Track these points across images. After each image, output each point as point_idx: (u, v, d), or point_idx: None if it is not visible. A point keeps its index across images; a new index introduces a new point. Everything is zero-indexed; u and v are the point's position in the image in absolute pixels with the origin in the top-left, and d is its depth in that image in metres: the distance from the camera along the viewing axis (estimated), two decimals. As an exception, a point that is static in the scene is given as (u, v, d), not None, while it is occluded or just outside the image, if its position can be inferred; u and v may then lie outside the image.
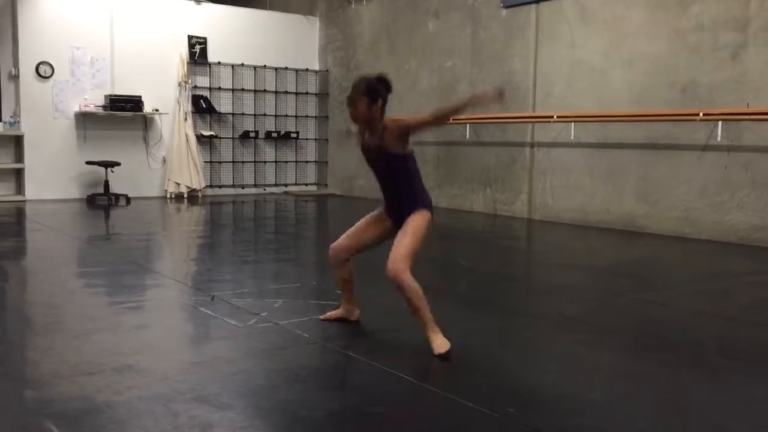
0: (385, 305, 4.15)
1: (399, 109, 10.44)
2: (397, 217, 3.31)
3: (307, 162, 12.15)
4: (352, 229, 3.52)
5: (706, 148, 6.80)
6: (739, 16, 6.51)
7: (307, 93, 11.97)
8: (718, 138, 6.62)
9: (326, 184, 12.20)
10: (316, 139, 12.18)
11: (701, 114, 6.64)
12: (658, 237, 7.04)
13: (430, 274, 5.34)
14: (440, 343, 3.03)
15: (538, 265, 6.02)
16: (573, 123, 7.93)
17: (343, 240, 3.56)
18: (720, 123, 6.59)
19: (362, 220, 3.50)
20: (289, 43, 11.74)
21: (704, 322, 3.84)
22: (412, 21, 10.26)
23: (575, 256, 6.33)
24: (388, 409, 2.48)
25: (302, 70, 11.87)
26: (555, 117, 8.10)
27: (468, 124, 9.20)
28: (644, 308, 4.18)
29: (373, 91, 3.23)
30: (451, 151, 9.75)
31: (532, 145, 8.64)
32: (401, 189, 3.30)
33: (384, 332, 3.49)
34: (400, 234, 3.18)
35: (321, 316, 3.69)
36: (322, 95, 12.07)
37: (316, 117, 12.13)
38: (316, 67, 12.06)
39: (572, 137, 7.95)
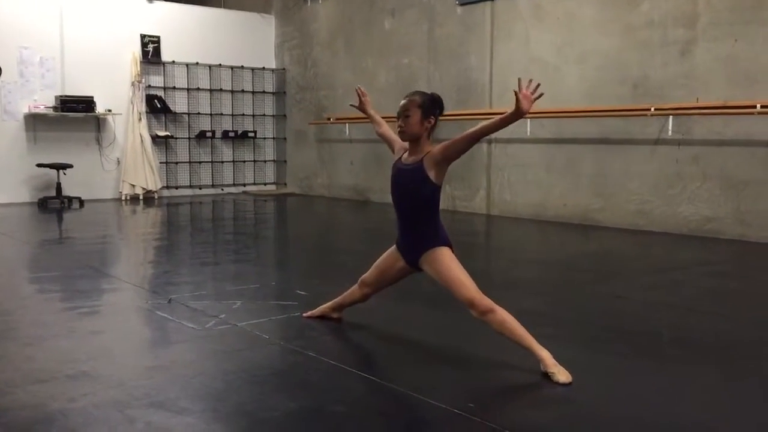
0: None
1: (356, 109, 10.42)
2: (410, 252, 3.12)
3: (265, 161, 12.05)
4: (378, 265, 3.34)
5: (657, 142, 6.94)
6: (688, 12, 6.66)
7: (264, 92, 11.88)
8: (669, 132, 6.76)
9: (285, 183, 12.12)
10: (274, 138, 12.09)
11: (652, 109, 6.78)
12: (614, 230, 7.17)
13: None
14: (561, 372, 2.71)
15: (497, 261, 6.07)
16: (529, 119, 8.02)
17: (370, 275, 3.36)
18: (671, 117, 6.73)
19: (386, 258, 3.30)
20: (245, 42, 11.63)
21: (659, 313, 3.92)
22: (369, 19, 10.25)
23: (533, 251, 6.41)
24: (347, 407, 2.47)
25: (258, 69, 11.76)
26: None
27: (426, 122, 9.21)
28: (601, 301, 4.25)
29: (429, 105, 3.05)
30: (409, 149, 9.76)
31: (489, 141, 8.71)
32: (424, 223, 3.09)
33: (345, 331, 3.48)
34: (443, 283, 3.00)
35: (305, 314, 3.64)
36: (279, 94, 11.98)
37: (273, 116, 12.04)
38: (273, 66, 11.97)
39: (528, 133, 8.03)
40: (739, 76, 6.34)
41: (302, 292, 4.26)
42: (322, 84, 11.17)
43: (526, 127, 8.05)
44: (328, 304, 3.60)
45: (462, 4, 8.84)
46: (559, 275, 5.13)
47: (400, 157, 3.16)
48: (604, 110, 7.29)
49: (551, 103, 7.80)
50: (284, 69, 11.91)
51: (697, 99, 6.60)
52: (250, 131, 11.72)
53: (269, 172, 12.14)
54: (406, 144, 3.15)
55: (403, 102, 3.05)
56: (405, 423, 2.35)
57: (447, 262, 2.98)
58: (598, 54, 7.42)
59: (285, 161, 12.11)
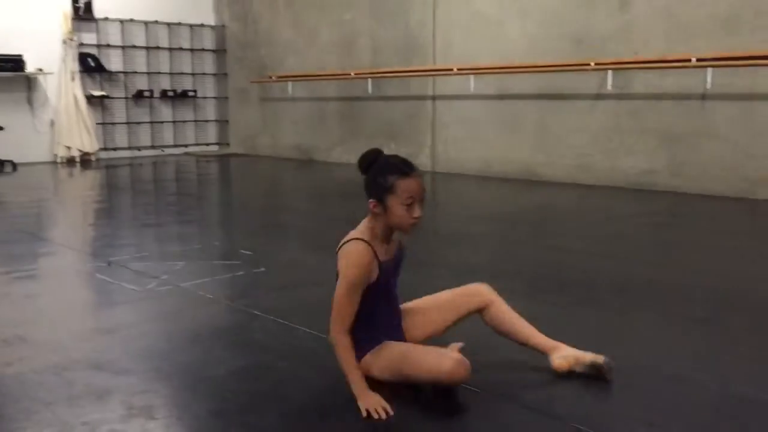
0: (292, 261, 4.13)
1: (299, 64, 10.28)
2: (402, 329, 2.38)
3: (207, 121, 11.79)
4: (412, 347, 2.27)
5: (598, 97, 7.04)
6: (627, -33, 6.70)
7: (203, 49, 11.55)
8: (609, 87, 6.85)
9: (228, 143, 11.91)
10: (215, 98, 11.81)
11: (593, 64, 6.85)
12: (556, 185, 7.28)
13: (338, 230, 5.34)
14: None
15: (442, 217, 6.11)
16: (472, 75, 8.02)
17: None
18: (610, 72, 6.82)
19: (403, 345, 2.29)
20: (182, -3, 11.25)
21: (597, 263, 4.02)
22: (310, -27, 10.02)
23: (478, 206, 6.47)
24: (293, 363, 2.47)
25: (197, 26, 11.42)
26: (455, 69, 8.16)
27: (370, 79, 9.15)
28: (542, 253, 4.33)
29: None
30: (353, 107, 9.69)
31: (433, 98, 8.70)
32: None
33: (291, 289, 3.46)
34: (443, 294, 2.47)
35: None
36: (220, 51, 11.68)
37: (214, 74, 11.75)
38: (212, 22, 11.62)
39: (472, 89, 8.04)
40: (675, 30, 6.45)
41: (246, 252, 4.22)
42: (263, 41, 10.92)
43: (469, 83, 8.05)
44: None
45: (404, -42, 8.70)
46: (503, 230, 5.20)
47: (376, 256, 2.21)
48: (546, 66, 7.33)
49: (495, 58, 7.82)
50: (224, 26, 11.59)
51: (636, 53, 6.70)
52: (190, 90, 11.42)
53: (211, 133, 11.89)
54: (370, 258, 2.19)
55: (420, 182, 2.22)
56: (350, 376, 2.36)
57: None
58: (540, 9, 7.43)
59: (227, 121, 11.86)
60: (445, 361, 2.10)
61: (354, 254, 2.17)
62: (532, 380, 2.30)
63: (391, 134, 9.19)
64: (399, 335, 2.34)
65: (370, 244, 2.19)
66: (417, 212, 2.18)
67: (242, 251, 4.26)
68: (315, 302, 3.23)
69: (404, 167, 2.20)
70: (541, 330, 2.38)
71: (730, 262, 4.05)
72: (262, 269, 3.80)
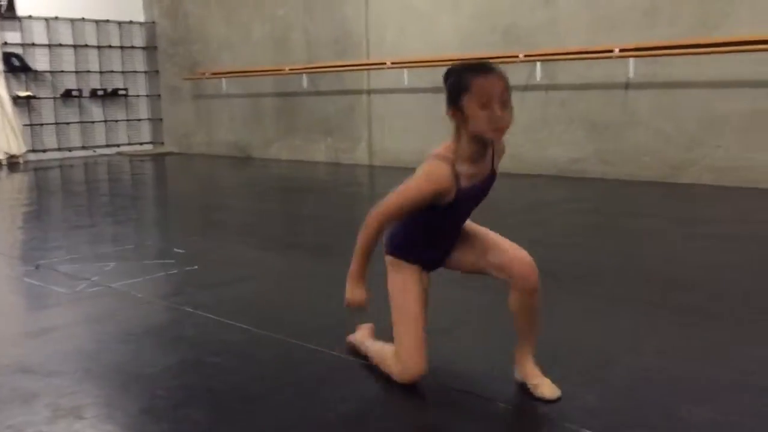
0: (226, 258, 4.12)
1: (233, 61, 10.18)
2: (443, 255, 2.25)
3: (139, 120, 11.56)
4: (414, 320, 2.17)
5: (527, 88, 7.21)
6: (551, -39, 6.88)
7: (133, 47, 11.31)
8: (538, 78, 7.03)
9: (162, 142, 11.70)
10: (147, 96, 11.59)
11: (521, 55, 7.01)
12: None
13: (276, 226, 5.35)
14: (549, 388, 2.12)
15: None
16: (406, 69, 8.10)
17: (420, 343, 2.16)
18: (538, 64, 6.99)
19: (415, 304, 2.18)
20: (109, -6, 10.99)
21: (528, 249, 4.13)
22: (240, -32, 9.92)
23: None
24: (225, 358, 2.48)
25: (126, 23, 11.17)
26: (389, 63, 8.23)
27: (304, 74, 9.14)
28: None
29: None
30: (289, 102, 9.66)
31: (368, 92, 8.75)
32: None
33: (223, 285, 3.45)
34: (494, 236, 2.25)
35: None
36: (150, 48, 11.46)
37: (145, 72, 11.52)
38: (141, 19, 11.39)
39: (406, 83, 8.12)
40: (598, 21, 6.65)
41: (180, 250, 4.19)
42: (195, 37, 10.77)
43: (403, 77, 8.13)
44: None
45: (335, -47, 8.71)
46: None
47: (458, 181, 2.03)
48: (477, 58, 7.43)
49: (427, 51, 7.92)
50: (154, 22, 11.37)
51: (562, 45, 6.88)
52: (121, 89, 11.17)
53: (144, 132, 11.66)
54: (448, 180, 2.02)
55: (500, 80, 1.95)
56: (283, 366, 2.39)
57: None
58: (471, 2, 7.56)
59: (161, 119, 11.66)
60: (408, 363, 2.12)
61: (433, 174, 2.01)
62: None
63: (328, 129, 9.20)
64: (438, 255, 2.22)
65: (453, 167, 2.00)
66: (498, 112, 1.91)
67: (176, 250, 4.22)
68: (247, 297, 3.25)
69: (481, 66, 1.97)
70: (473, 319, 2.45)
71: (651, 243, 4.23)
72: (195, 267, 3.79)
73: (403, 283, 2.20)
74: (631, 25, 6.45)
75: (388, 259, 2.25)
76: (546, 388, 2.11)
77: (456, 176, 2.02)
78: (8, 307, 3.36)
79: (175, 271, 3.70)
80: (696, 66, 6.16)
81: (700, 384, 2.18)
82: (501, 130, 1.96)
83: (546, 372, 2.15)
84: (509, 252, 2.16)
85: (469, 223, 2.26)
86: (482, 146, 2.04)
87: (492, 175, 2.14)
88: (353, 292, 2.14)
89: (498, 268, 2.15)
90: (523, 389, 2.15)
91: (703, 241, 4.23)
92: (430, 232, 2.19)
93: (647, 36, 6.35)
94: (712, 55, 6.00)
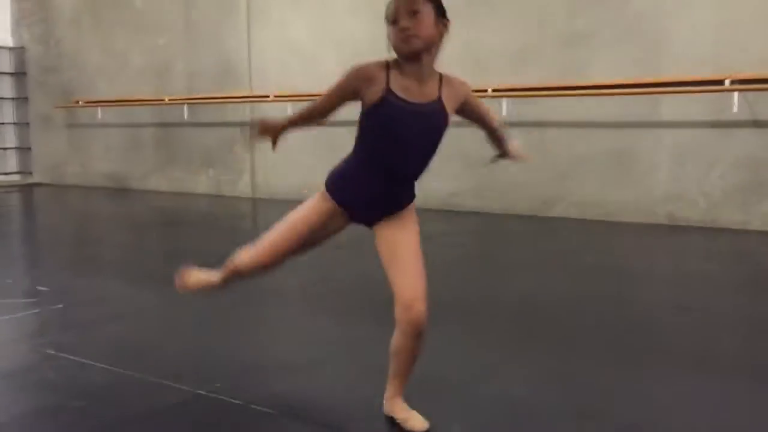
0: (94, 296, 3.94)
1: (110, 90, 9.84)
2: (390, 206, 2.18)
3: (5, 149, 10.90)
4: (290, 230, 2.23)
5: (407, 123, 7.40)
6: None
7: (0, 72, 10.71)
8: (417, 114, 7.24)
9: (31, 172, 11.08)
10: (14, 124, 10.97)
11: (401, 92, 7.20)
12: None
13: (151, 261, 5.17)
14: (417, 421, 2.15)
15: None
16: (289, 102, 8.13)
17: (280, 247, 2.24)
18: (418, 100, 7.21)
19: (303, 224, 2.23)
20: (-26, 16, 10.39)
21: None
22: (118, -5, 9.67)
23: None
24: (89, 401, 2.37)
25: (-8, 47, 10.58)
26: (272, 96, 8.23)
27: (186, 105, 8.97)
28: (354, 276, 4.48)
29: (441, 3, 2.07)
30: (170, 133, 9.44)
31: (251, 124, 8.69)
32: (418, 174, 2.21)
33: (88, 325, 3.30)
34: (412, 246, 2.14)
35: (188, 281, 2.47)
36: (19, 74, 10.88)
37: (13, 99, 10.92)
38: (10, 44, 10.82)
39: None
40: (473, 62, 6.96)
41: (44, 288, 3.98)
42: (69, 64, 10.34)
43: (287, 110, 8.15)
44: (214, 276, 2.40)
45: (217, -15, 8.68)
46: (319, 253, 5.29)
47: (394, 92, 2.03)
48: (358, 94, 7.59)
49: (310, 86, 7.99)
50: (23, 47, 10.83)
51: (440, 83, 7.14)
52: (-14, 116, 10.53)
53: (11, 161, 11.00)
54: (376, 70, 2.04)
55: None
56: (146, 410, 2.32)
57: (417, 233, 2.19)
58: (353, 40, 7.71)
59: (29, 148, 11.05)
60: (260, 253, 2.21)
61: (362, 63, 2.06)
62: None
63: (209, 160, 9.05)
64: (372, 200, 2.12)
65: (387, 66, 2.04)
66: (402, 23, 1.95)
67: (40, 288, 4.00)
68: (113, 338, 3.12)
69: None
70: (349, 352, 2.46)
71: (518, 276, 4.43)
72: (60, 305, 3.61)
73: (309, 207, 2.22)
74: (502, 68, 6.80)
75: (320, 191, 2.22)
76: (415, 421, 2.15)
77: (387, 75, 2.02)
78: None
79: (37, 311, 3.51)
80: (562, 107, 6.56)
81: (565, 411, 2.30)
82: (408, 39, 1.96)
83: (413, 405, 2.20)
84: (406, 283, 2.08)
85: (410, 236, 2.17)
86: (413, 64, 2.02)
87: (440, 108, 2.07)
88: (264, 122, 2.19)
89: (392, 285, 2.12)
90: (392, 423, 2.19)
91: (565, 273, 4.47)
92: (371, 161, 2.13)
93: (518, 78, 6.71)
94: (575, 98, 6.42)
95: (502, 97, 6.72)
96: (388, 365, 2.22)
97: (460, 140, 7.16)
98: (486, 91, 6.74)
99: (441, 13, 2.06)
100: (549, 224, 6.40)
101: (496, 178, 6.96)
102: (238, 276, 2.29)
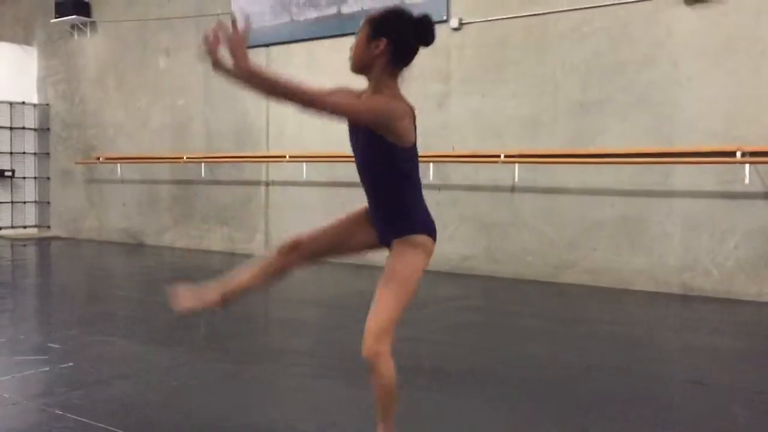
0: (104, 354, 3.95)
1: (130, 147, 10.05)
2: (381, 230, 2.35)
3: (25, 203, 11.09)
4: (329, 225, 2.45)
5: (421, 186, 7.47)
6: (443, 69, 7.32)
7: (24, 128, 10.98)
8: (431, 178, 7.33)
9: (49, 226, 11.23)
10: (35, 178, 11.18)
11: (415, 156, 7.30)
12: (382, 269, 7.53)
13: (162, 319, 5.18)
14: None
15: (272, 302, 6.12)
16: (305, 163, 8.26)
17: (313, 233, 2.45)
18: (431, 165, 7.31)
19: (344, 218, 2.44)
20: (2, 74, 10.71)
21: (414, 347, 4.21)
22: (142, 57, 9.97)
23: (306, 291, 6.54)
24: (93, 465, 2.36)
25: (18, 103, 10.87)
26: (287, 157, 8.37)
27: (203, 163, 9.13)
28: (356, 338, 4.45)
29: (384, 22, 2.17)
30: (186, 190, 9.58)
31: (267, 183, 8.82)
32: (385, 205, 2.31)
33: (97, 384, 3.31)
34: (380, 284, 2.23)
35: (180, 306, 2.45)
36: (43, 131, 11.16)
37: (35, 154, 11.16)
38: (35, 101, 11.13)
39: (305, 177, 8.26)
40: (486, 128, 7.08)
41: (55, 345, 4.00)
42: (91, 122, 10.60)
43: (302, 170, 8.27)
44: (222, 286, 2.49)
45: (238, 49, 8.93)
46: (328, 314, 5.30)
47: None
48: (373, 156, 7.71)
49: (325, 147, 8.13)
50: (48, 104, 11.13)
51: (453, 148, 7.25)
52: (7, 170, 10.74)
53: (30, 214, 11.18)
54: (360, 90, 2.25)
55: None
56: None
57: (405, 267, 2.26)
58: (367, 103, 7.87)
59: (48, 202, 11.24)
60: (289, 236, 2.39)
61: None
62: None
63: (224, 219, 9.15)
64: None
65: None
66: None
67: (51, 345, 4.02)
68: (123, 398, 3.12)
69: None
70: (353, 416, 2.45)
71: (528, 342, 4.40)
72: (70, 364, 3.62)
73: (351, 211, 2.41)
74: (515, 134, 6.90)
75: None
76: None
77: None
78: None
79: (47, 369, 3.52)
80: (574, 174, 6.62)
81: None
82: (350, 60, 2.24)
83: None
84: (368, 316, 2.21)
85: (385, 271, 2.30)
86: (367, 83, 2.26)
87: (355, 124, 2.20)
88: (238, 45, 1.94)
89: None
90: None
91: (577, 341, 4.44)
92: None
93: (530, 144, 6.80)
94: (587, 165, 6.48)
95: (514, 162, 6.79)
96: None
97: (472, 202, 7.25)
98: (499, 156, 6.82)
99: (376, 33, 2.16)
100: (561, 290, 6.38)
101: (509, 242, 6.97)
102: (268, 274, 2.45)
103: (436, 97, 7.37)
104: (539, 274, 6.79)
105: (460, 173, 7.27)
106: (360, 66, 2.20)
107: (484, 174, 7.10)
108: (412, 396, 3.23)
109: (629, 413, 3.04)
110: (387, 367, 2.17)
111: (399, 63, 2.20)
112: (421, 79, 7.46)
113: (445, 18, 7.22)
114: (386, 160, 2.19)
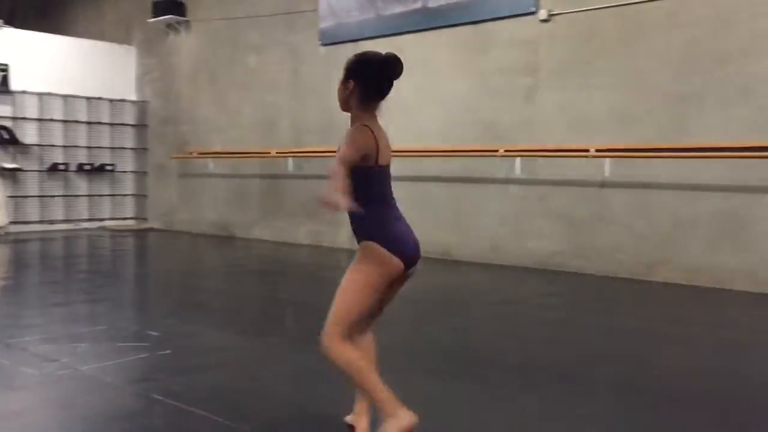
0: (200, 343, 4.10)
1: (221, 142, 10.38)
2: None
3: (124, 195, 11.63)
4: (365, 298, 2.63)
5: (507, 181, 7.39)
6: (531, 62, 7.19)
7: (123, 124, 11.51)
8: (517, 172, 7.22)
9: (146, 218, 11.74)
10: (134, 172, 11.71)
11: (502, 150, 7.22)
12: (469, 264, 7.50)
13: (254, 310, 5.34)
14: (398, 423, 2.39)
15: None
16: (391, 157, 8.28)
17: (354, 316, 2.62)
18: (518, 159, 7.20)
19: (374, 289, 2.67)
20: (104, 72, 11.25)
21: (497, 342, 4.17)
22: (233, 55, 10.25)
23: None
24: (190, 450, 2.46)
25: (118, 101, 11.40)
26: (373, 151, 8.40)
27: (290, 158, 9.31)
28: (448, 333, 4.45)
29: (351, 67, 2.61)
30: (274, 184, 9.80)
31: (352, 178, 8.90)
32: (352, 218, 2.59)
33: (194, 372, 3.44)
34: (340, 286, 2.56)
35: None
36: (140, 126, 11.66)
37: (134, 149, 11.68)
38: (134, 98, 11.64)
39: (391, 170, 8.28)
40: (575, 122, 6.90)
41: (154, 333, 4.17)
42: (185, 118, 11.00)
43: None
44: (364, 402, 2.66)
45: (325, 45, 9.05)
46: (414, 309, 5.31)
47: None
48: (459, 150, 7.67)
49: (411, 142, 8.13)
50: (145, 101, 11.62)
51: (541, 142, 7.11)
52: (108, 164, 11.29)
53: (128, 207, 11.72)
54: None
55: None
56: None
57: (357, 269, 2.57)
58: (454, 97, 7.83)
59: (146, 195, 11.75)
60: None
61: None
62: None
63: (311, 212, 9.30)
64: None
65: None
66: None
67: (150, 332, 4.21)
68: (219, 385, 3.23)
69: None
70: (448, 410, 2.45)
71: (616, 343, 4.27)
72: (168, 351, 3.77)
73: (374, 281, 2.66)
74: (606, 127, 6.70)
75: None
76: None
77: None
78: (-27, 387, 3.31)
79: (146, 355, 3.68)
80: (668, 168, 6.36)
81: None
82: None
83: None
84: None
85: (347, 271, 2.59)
86: None
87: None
88: (340, 196, 2.22)
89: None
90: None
91: (671, 343, 4.27)
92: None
93: (621, 138, 6.59)
94: (680, 160, 6.22)
95: (604, 157, 6.60)
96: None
97: (560, 197, 7.10)
98: (588, 151, 6.65)
99: (346, 77, 2.61)
100: (653, 289, 6.16)
101: (598, 239, 6.79)
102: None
103: (524, 90, 7.25)
104: (630, 272, 6.57)
105: (547, 168, 7.12)
106: (341, 104, 2.65)
107: (572, 168, 6.93)
108: (482, 392, 3.19)
109: (731, 418, 2.91)
110: (339, 356, 2.42)
111: (369, 99, 2.58)
112: (508, 73, 7.36)
113: (533, 10, 7.08)
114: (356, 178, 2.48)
